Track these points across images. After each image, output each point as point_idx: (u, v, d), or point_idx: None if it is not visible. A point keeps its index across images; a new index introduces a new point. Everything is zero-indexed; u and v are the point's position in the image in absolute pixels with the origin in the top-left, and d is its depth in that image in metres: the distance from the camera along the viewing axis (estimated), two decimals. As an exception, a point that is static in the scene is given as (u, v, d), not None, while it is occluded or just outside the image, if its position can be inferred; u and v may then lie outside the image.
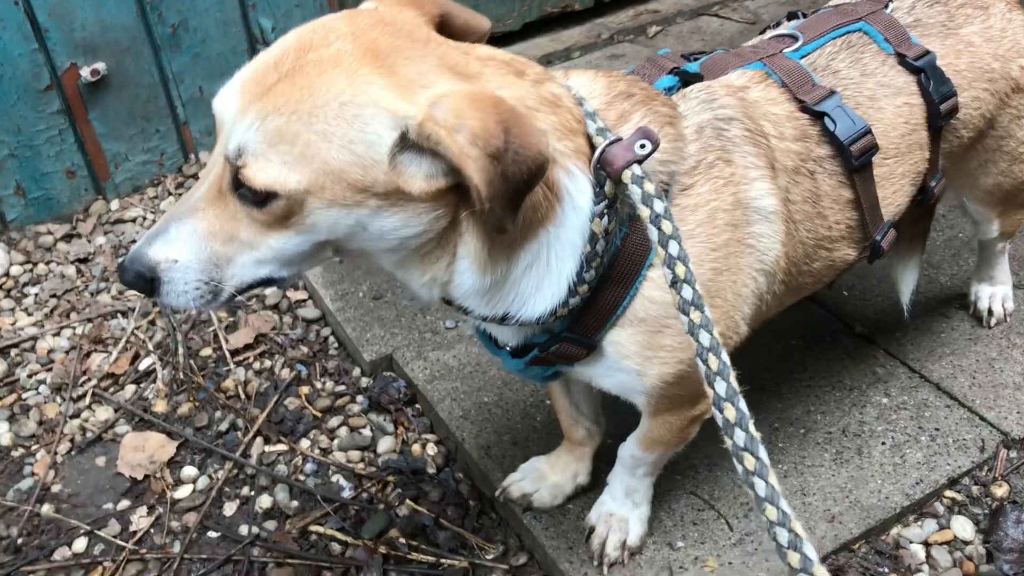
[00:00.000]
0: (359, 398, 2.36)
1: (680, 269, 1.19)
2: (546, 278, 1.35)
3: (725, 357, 1.16)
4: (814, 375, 2.28)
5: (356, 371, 2.43)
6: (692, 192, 1.39)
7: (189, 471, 2.22)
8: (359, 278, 2.63)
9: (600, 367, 1.51)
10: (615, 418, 1.94)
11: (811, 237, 1.59)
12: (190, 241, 1.23)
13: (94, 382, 2.44)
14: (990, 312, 2.38)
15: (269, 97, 1.15)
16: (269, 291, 2.66)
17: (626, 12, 3.77)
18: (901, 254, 2.21)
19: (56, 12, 2.60)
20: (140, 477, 2.21)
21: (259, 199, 1.17)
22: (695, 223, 1.40)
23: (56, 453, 2.27)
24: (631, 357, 1.47)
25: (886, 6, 1.75)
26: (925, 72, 1.67)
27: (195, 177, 3.06)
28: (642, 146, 1.24)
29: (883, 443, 2.12)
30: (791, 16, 1.81)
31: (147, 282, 1.24)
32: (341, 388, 2.40)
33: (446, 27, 1.32)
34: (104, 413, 2.37)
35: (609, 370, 1.51)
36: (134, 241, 2.84)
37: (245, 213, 1.21)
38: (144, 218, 2.94)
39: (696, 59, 1.65)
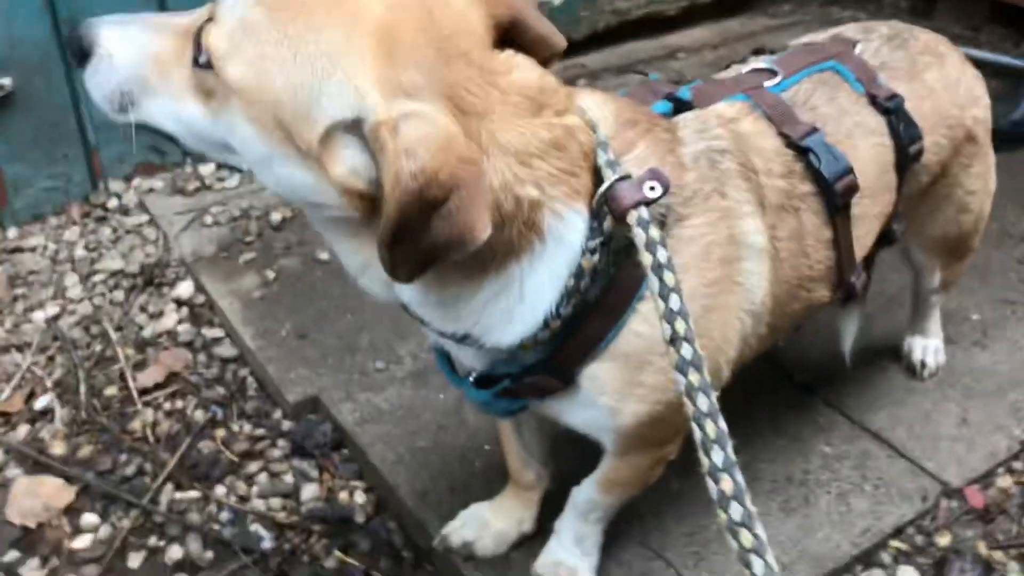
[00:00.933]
0: (280, 442, 2.20)
1: (680, 326, 1.11)
2: (517, 308, 1.26)
3: (723, 423, 1.08)
4: (757, 423, 2.24)
5: (277, 413, 2.27)
6: (688, 224, 1.34)
7: (90, 519, 2.01)
8: (281, 316, 2.48)
9: (573, 402, 1.42)
10: (564, 462, 1.85)
11: (795, 276, 1.55)
12: (136, 49, 1.20)
13: (-18, 421, 2.21)
14: (923, 364, 2.39)
15: None
16: (181, 328, 2.48)
17: (555, 66, 3.76)
18: (845, 303, 2.20)
19: (-39, 21, 2.41)
20: (33, 525, 1.99)
21: (198, 60, 1.14)
22: (690, 256, 1.34)
23: (-66, 499, 2.03)
24: (608, 393, 1.38)
25: (854, 47, 1.75)
26: (895, 114, 1.66)
27: (103, 207, 2.87)
28: (652, 188, 1.17)
29: (828, 492, 2.08)
30: (757, 51, 1.79)
31: (80, 53, 1.22)
32: (261, 431, 2.23)
33: (515, 34, 1.21)
34: (-8, 455, 2.14)
35: (582, 406, 1.41)
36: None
37: (189, 64, 1.16)
38: (45, 247, 2.73)
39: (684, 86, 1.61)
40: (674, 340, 1.11)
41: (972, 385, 2.39)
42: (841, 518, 2.01)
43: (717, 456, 1.06)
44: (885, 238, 1.78)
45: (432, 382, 2.28)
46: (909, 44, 1.81)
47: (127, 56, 1.19)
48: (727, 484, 1.04)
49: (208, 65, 1.12)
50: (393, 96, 1.05)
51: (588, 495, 1.69)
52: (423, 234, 1.04)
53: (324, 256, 2.68)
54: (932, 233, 1.99)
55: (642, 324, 1.33)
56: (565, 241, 1.22)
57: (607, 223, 1.22)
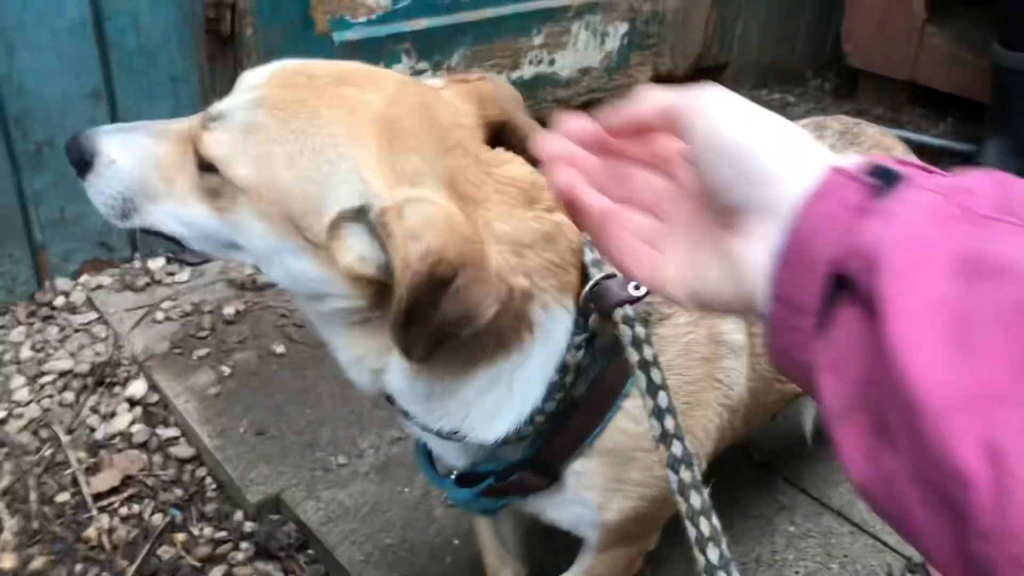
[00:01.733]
0: (243, 544, 2.14)
1: (669, 423, 1.14)
2: (506, 403, 1.26)
3: (716, 520, 1.11)
4: (721, 504, 2.24)
5: (239, 514, 2.21)
6: (669, 323, 1.37)
7: (44, 637, 1.92)
8: (239, 413, 2.43)
9: (557, 499, 1.42)
10: (536, 554, 1.84)
11: (771, 370, 1.58)
12: (139, 156, 1.23)
13: (-75, 536, 2.11)
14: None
15: (279, 93, 1.14)
16: (135, 428, 2.42)
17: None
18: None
19: (-94, 123, 2.38)
20: (-17, 647, 1.89)
21: (203, 164, 1.17)
22: (672, 355, 1.36)
23: None
24: (594, 489, 1.39)
25: None
26: None
27: (50, 305, 2.81)
28: (636, 287, 1.20)
29: (796, 572, 2.10)
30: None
31: (82, 163, 1.25)
32: (222, 534, 2.17)
33: (506, 135, 1.25)
34: (-63, 572, 2.04)
35: (567, 502, 1.42)
36: None
37: (192, 169, 1.20)
38: (-11, 349, 2.65)
39: None
40: (664, 437, 1.13)
41: (924, 458, 2.46)
42: (811, 599, 2.04)
43: (713, 554, 1.08)
44: None
45: (396, 475, 2.26)
46: (859, 139, 1.90)
47: (130, 163, 1.23)
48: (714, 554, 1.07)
49: (212, 168, 1.15)
50: (397, 183, 1.08)
51: (568, 591, 1.68)
52: (434, 313, 1.06)
53: (280, 349, 2.65)
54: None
55: (627, 421, 1.34)
56: (552, 336, 1.24)
57: (592, 320, 1.25)
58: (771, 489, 2.33)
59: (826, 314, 0.66)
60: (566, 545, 1.99)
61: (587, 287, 1.23)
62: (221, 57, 2.91)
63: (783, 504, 2.28)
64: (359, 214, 1.09)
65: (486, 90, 1.27)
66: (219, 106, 1.17)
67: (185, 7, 2.74)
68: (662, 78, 4.38)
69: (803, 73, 5.10)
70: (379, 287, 1.13)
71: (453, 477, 1.44)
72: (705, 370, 1.41)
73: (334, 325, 1.24)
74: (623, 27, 4.03)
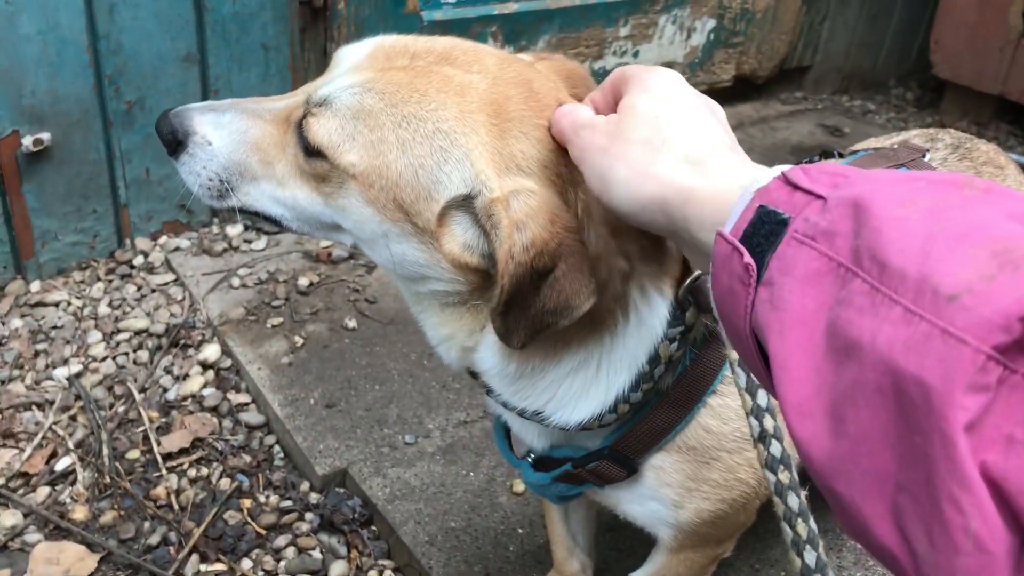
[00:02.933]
0: (308, 516, 2.15)
1: (769, 423, 1.11)
2: (592, 388, 1.24)
3: (812, 523, 1.08)
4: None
5: (305, 485, 2.23)
6: None
7: (112, 590, 1.95)
8: (309, 384, 2.45)
9: (634, 492, 1.39)
10: (607, 551, 1.82)
11: None
12: (236, 137, 1.21)
13: (1, 481, 2.15)
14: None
15: (385, 76, 1.11)
16: (207, 392, 2.45)
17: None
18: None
19: (6, 75, 2.41)
20: (54, 595, 1.92)
21: (309, 150, 1.14)
22: None
23: (-49, 562, 1.97)
24: (672, 486, 1.36)
25: (924, 155, 1.77)
26: None
27: (129, 264, 2.84)
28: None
29: (863, 591, 2.06)
30: (826, 154, 1.81)
31: (175, 142, 1.22)
32: (288, 503, 2.18)
33: None
34: (11, 518, 2.08)
35: (643, 497, 1.39)
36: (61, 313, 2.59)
37: (294, 151, 1.18)
38: (68, 303, 2.69)
39: None
40: (763, 437, 1.10)
41: None
42: (878, 619, 1.99)
43: (810, 557, 1.05)
44: None
45: (463, 459, 2.25)
46: (973, 154, 1.84)
47: (228, 144, 1.21)
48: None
49: (318, 153, 1.13)
50: (505, 170, 1.07)
51: (637, 591, 1.66)
52: (533, 302, 1.05)
53: (352, 324, 2.66)
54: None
55: (713, 419, 1.32)
56: (646, 323, 1.21)
57: (690, 313, 1.22)
58: (840, 504, 2.28)
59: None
60: (633, 544, 1.97)
61: (689, 279, 1.20)
62: (312, 28, 2.91)
63: (852, 520, 2.24)
64: (466, 201, 1.08)
65: (574, 67, 1.26)
66: (322, 90, 1.14)
67: (281, -23, 2.75)
68: (744, 77, 4.32)
69: (886, 81, 5.00)
70: (482, 274, 1.12)
71: (530, 460, 1.42)
72: None
73: (429, 305, 1.23)
74: (711, 23, 3.97)
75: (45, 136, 2.53)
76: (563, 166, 1.10)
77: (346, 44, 1.25)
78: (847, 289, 0.64)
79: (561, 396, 1.25)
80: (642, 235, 1.17)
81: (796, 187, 0.73)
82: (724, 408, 1.32)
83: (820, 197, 0.71)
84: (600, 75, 3.74)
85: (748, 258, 0.73)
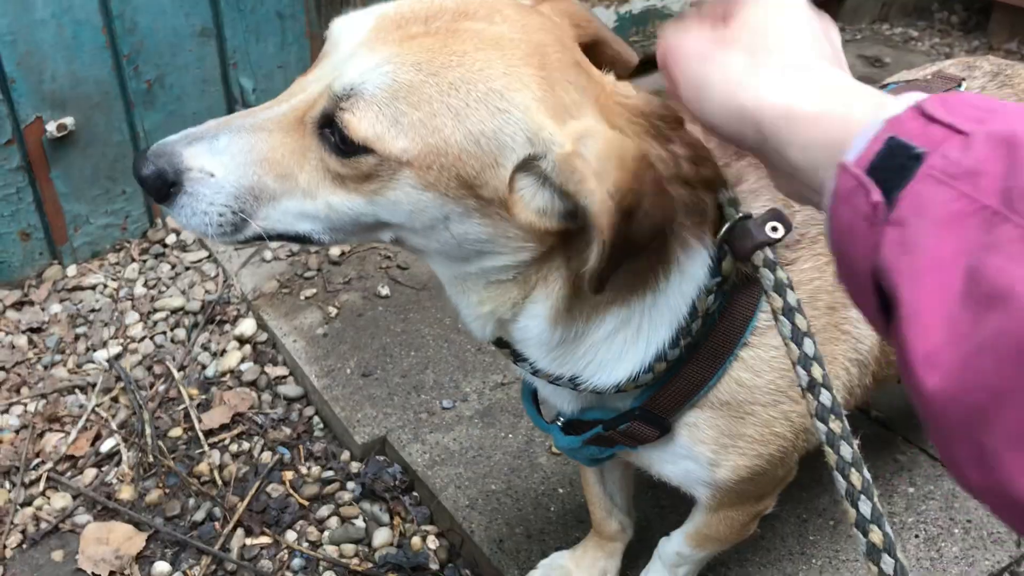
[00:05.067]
0: (350, 485, 2.16)
1: (817, 372, 1.04)
2: (633, 347, 1.21)
3: (867, 474, 1.03)
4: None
5: (345, 455, 2.23)
6: (795, 268, 1.28)
7: (161, 567, 1.98)
8: (345, 353, 2.44)
9: (667, 452, 1.36)
10: (642, 508, 1.80)
11: None
12: (239, 160, 1.06)
13: (49, 465, 2.19)
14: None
15: (410, 46, 1.01)
16: (245, 367, 2.46)
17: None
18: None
19: (25, 62, 2.41)
20: (104, 574, 1.96)
21: (347, 148, 1.02)
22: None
23: (5, 547, 2.01)
24: (706, 443, 1.33)
25: (959, 85, 1.68)
26: None
27: (162, 243, 2.86)
28: (774, 228, 1.10)
29: (916, 536, 2.00)
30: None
31: (165, 185, 1.06)
32: (329, 474, 2.19)
33: (595, 52, 1.17)
34: (61, 500, 2.12)
35: (677, 456, 1.36)
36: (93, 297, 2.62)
37: (319, 156, 1.05)
38: (105, 285, 2.71)
39: None
40: (812, 387, 1.04)
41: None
42: (932, 565, 1.94)
43: (865, 507, 1.00)
44: None
45: (501, 421, 2.24)
46: (1013, 80, 1.74)
47: (232, 170, 1.07)
48: (876, 536, 0.99)
49: (362, 150, 1.02)
50: (564, 122, 1.01)
51: (677, 549, 1.63)
52: (629, 240, 1.01)
53: (384, 291, 2.65)
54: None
55: (746, 372, 1.27)
56: (688, 275, 1.17)
57: (727, 262, 1.17)
58: (890, 448, 2.23)
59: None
60: (673, 501, 1.94)
61: (725, 227, 1.15)
62: (329, -5, 2.87)
63: (902, 464, 2.18)
64: (532, 162, 1.02)
65: (577, 8, 1.19)
66: (343, 80, 1.03)
67: (292, -58, 2.71)
68: (777, 12, 4.18)
69: (928, 5, 4.80)
70: (558, 235, 1.06)
71: (560, 424, 1.40)
72: (830, 320, 1.32)
73: (474, 284, 1.17)
74: (738, -42, 3.83)
75: (68, 120, 2.54)
76: (610, 112, 1.05)
77: (360, 8, 1.18)
78: (994, 234, 0.60)
79: (600, 359, 1.22)
80: (679, 187, 1.12)
81: (932, 119, 0.68)
82: (756, 360, 1.28)
83: (961, 132, 0.66)
84: (626, 19, 3.64)
85: (877, 195, 0.69)
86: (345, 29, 1.09)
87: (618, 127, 1.05)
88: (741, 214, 1.14)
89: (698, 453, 1.35)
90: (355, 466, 2.20)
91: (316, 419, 2.34)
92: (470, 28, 1.04)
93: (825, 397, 1.04)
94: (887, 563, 0.96)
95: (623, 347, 1.21)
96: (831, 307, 1.33)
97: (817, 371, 1.05)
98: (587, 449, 1.41)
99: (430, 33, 1.03)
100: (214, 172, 1.06)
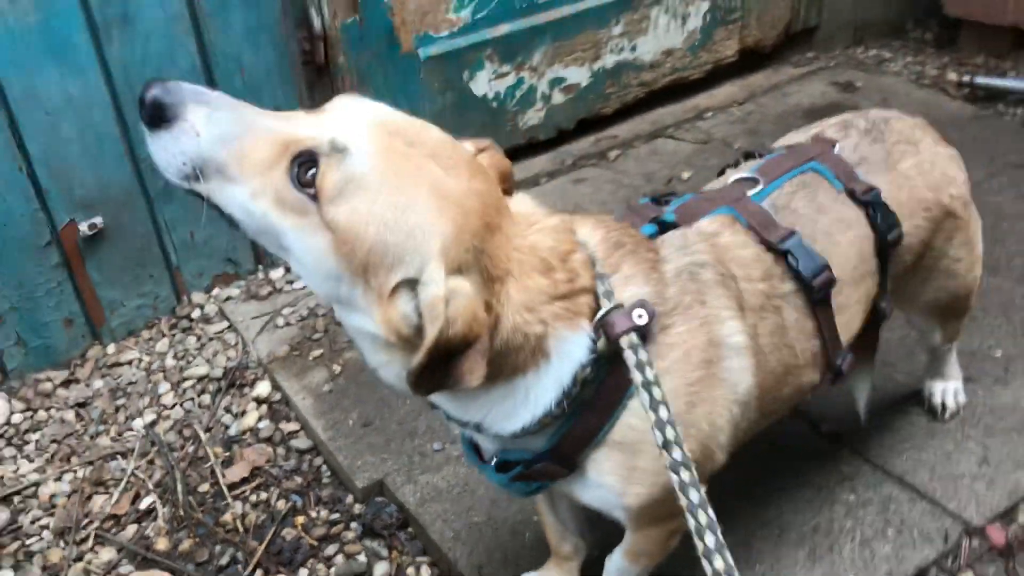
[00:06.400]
0: (353, 524, 2.46)
1: (670, 432, 1.36)
2: (523, 406, 1.50)
3: (711, 512, 1.32)
4: (784, 477, 2.41)
5: (349, 498, 2.54)
6: (671, 331, 1.55)
7: (193, 607, 2.29)
8: (348, 407, 2.75)
9: (582, 484, 1.64)
10: (601, 532, 2.06)
11: (780, 366, 1.74)
12: (224, 139, 1.30)
13: (96, 524, 2.53)
14: (943, 406, 2.53)
15: (388, 158, 1.31)
16: (262, 424, 2.78)
17: (587, 139, 4.02)
18: (855, 366, 2.38)
19: (57, 173, 2.78)
20: (145, 616, 2.28)
21: (303, 183, 1.29)
22: (672, 360, 1.55)
23: (62, 597, 2.35)
24: (611, 475, 1.60)
25: (834, 146, 1.93)
26: (873, 206, 1.84)
27: (188, 318, 3.21)
28: (639, 316, 1.45)
29: (852, 539, 2.23)
30: (747, 156, 1.99)
31: (158, 116, 1.28)
32: (335, 516, 2.49)
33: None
34: (107, 554, 2.45)
35: (590, 487, 1.64)
36: (131, 382, 2.96)
37: (280, 176, 1.30)
38: (140, 360, 3.07)
39: (669, 203, 1.82)
40: (666, 445, 1.36)
41: (993, 423, 2.52)
42: (865, 564, 2.17)
43: (709, 540, 1.30)
44: (875, 315, 1.95)
45: (485, 459, 2.52)
46: (885, 135, 1.96)
47: (213, 141, 1.29)
48: (719, 563, 1.28)
49: (307, 190, 1.29)
50: (451, 273, 1.32)
51: (618, 564, 1.89)
52: (439, 370, 1.32)
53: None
54: (924, 300, 2.15)
55: (633, 417, 1.54)
56: (568, 357, 1.47)
57: (601, 343, 1.47)
58: (835, 460, 2.46)
59: None
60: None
61: (597, 316, 1.46)
62: (319, 84, 3.21)
63: (845, 474, 2.41)
64: (412, 284, 1.32)
65: (505, 164, 1.53)
66: (342, 141, 1.28)
67: (281, 46, 3.06)
68: (750, 49, 4.44)
69: (902, 25, 5.00)
70: (406, 337, 1.35)
71: (493, 464, 1.68)
72: (705, 371, 1.59)
73: (363, 338, 1.46)
74: (704, 5, 4.11)
75: (98, 220, 2.91)
76: (494, 265, 1.37)
77: (350, 93, 1.44)
78: None
79: (496, 413, 1.52)
80: (556, 304, 1.43)
81: None
82: (641, 408, 1.55)
83: None
84: (600, 74, 3.93)
85: None
86: (351, 105, 1.38)
87: (500, 278, 1.38)
88: (612, 304, 1.45)
89: (606, 483, 1.62)
90: (357, 507, 2.50)
91: (324, 467, 2.65)
92: (432, 171, 1.34)
93: (676, 453, 1.35)
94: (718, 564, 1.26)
95: (514, 406, 1.50)
96: (706, 361, 1.60)
97: (670, 432, 1.36)
98: (516, 484, 1.70)
99: (407, 157, 1.34)
100: (200, 133, 1.29)
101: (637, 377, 1.40)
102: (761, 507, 2.33)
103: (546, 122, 3.89)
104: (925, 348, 2.56)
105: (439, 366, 1.32)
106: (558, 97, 3.85)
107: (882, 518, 2.28)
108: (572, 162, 3.93)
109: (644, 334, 1.48)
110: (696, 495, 1.34)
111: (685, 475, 1.34)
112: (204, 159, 1.30)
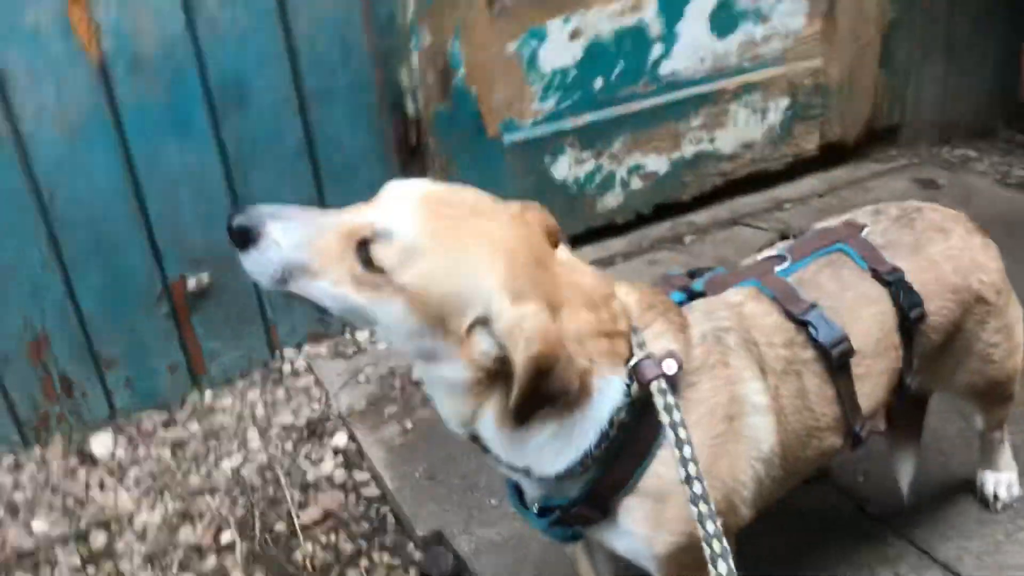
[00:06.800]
0: (412, 570, 2.62)
1: (692, 468, 1.52)
2: (568, 447, 1.65)
3: (725, 543, 1.45)
4: (828, 554, 2.47)
5: (410, 545, 2.70)
6: (697, 388, 1.70)
7: (260, 634, 2.48)
8: (416, 460, 2.94)
9: (613, 532, 1.77)
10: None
11: (802, 428, 1.86)
12: (301, 242, 1.51)
13: (181, 553, 2.76)
14: (995, 497, 2.55)
15: (435, 222, 1.51)
16: (337, 472, 2.99)
17: (664, 224, 4.19)
18: (900, 446, 2.46)
19: (172, 235, 3.11)
20: (217, 639, 2.48)
21: (369, 265, 1.48)
22: (698, 415, 1.68)
23: (145, 616, 2.57)
24: (640, 523, 1.73)
25: (862, 230, 2.07)
26: (895, 284, 1.96)
27: (279, 371, 3.48)
28: (669, 366, 1.61)
29: (890, 619, 2.28)
30: (783, 237, 2.14)
31: (245, 239, 1.51)
32: (396, 561, 2.66)
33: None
34: (188, 581, 2.68)
35: (621, 534, 1.77)
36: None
37: (350, 263, 1.50)
38: (233, 407, 3.34)
39: (701, 276, 1.98)
40: (688, 479, 1.52)
41: (1047, 516, 2.53)
42: (902, 644, 2.21)
43: (722, 567, 1.43)
44: (900, 389, 2.05)
45: (539, 518, 2.66)
46: (915, 223, 2.09)
47: (292, 246, 1.51)
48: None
49: (377, 269, 1.48)
50: (515, 301, 1.49)
51: (650, 613, 2.00)
52: (541, 391, 1.49)
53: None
54: (961, 382, 2.22)
55: (662, 466, 1.68)
56: (607, 397, 1.63)
57: (634, 388, 1.63)
58: (881, 542, 2.50)
59: None
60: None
61: (630, 363, 1.62)
62: (411, 164, 3.49)
63: (889, 556, 2.45)
64: (484, 321, 1.51)
65: (550, 221, 1.72)
66: (383, 223, 1.51)
67: (379, 129, 3.36)
68: (831, 144, 4.56)
69: (993, 126, 5.03)
70: (490, 372, 1.54)
71: (535, 509, 1.83)
72: (728, 426, 1.72)
73: (437, 388, 1.65)
74: (784, 101, 4.28)
75: (204, 276, 3.22)
76: (550, 295, 1.55)
77: (437, 173, 1.71)
78: None
79: (544, 455, 1.67)
80: (601, 341, 1.60)
81: None
82: (670, 458, 1.67)
83: None
84: (679, 164, 4.12)
85: None
86: (398, 188, 1.57)
87: (558, 303, 1.55)
88: (645, 353, 1.62)
89: (635, 531, 1.75)
90: (417, 554, 2.66)
91: (389, 515, 2.83)
92: (475, 223, 1.55)
93: (697, 487, 1.53)
94: None
95: (560, 447, 1.65)
96: (729, 417, 1.74)
97: (692, 468, 1.53)
98: (554, 530, 1.84)
99: (450, 217, 1.55)
100: (280, 243, 1.51)
101: (665, 418, 1.56)
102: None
103: (624, 206, 4.08)
104: (979, 435, 2.59)
105: (538, 387, 1.47)
106: (636, 183, 4.05)
107: (922, 600, 2.31)
108: (648, 245, 4.10)
109: (673, 383, 1.63)
110: (712, 527, 1.47)
111: (703, 507, 1.49)
112: (288, 264, 1.51)
